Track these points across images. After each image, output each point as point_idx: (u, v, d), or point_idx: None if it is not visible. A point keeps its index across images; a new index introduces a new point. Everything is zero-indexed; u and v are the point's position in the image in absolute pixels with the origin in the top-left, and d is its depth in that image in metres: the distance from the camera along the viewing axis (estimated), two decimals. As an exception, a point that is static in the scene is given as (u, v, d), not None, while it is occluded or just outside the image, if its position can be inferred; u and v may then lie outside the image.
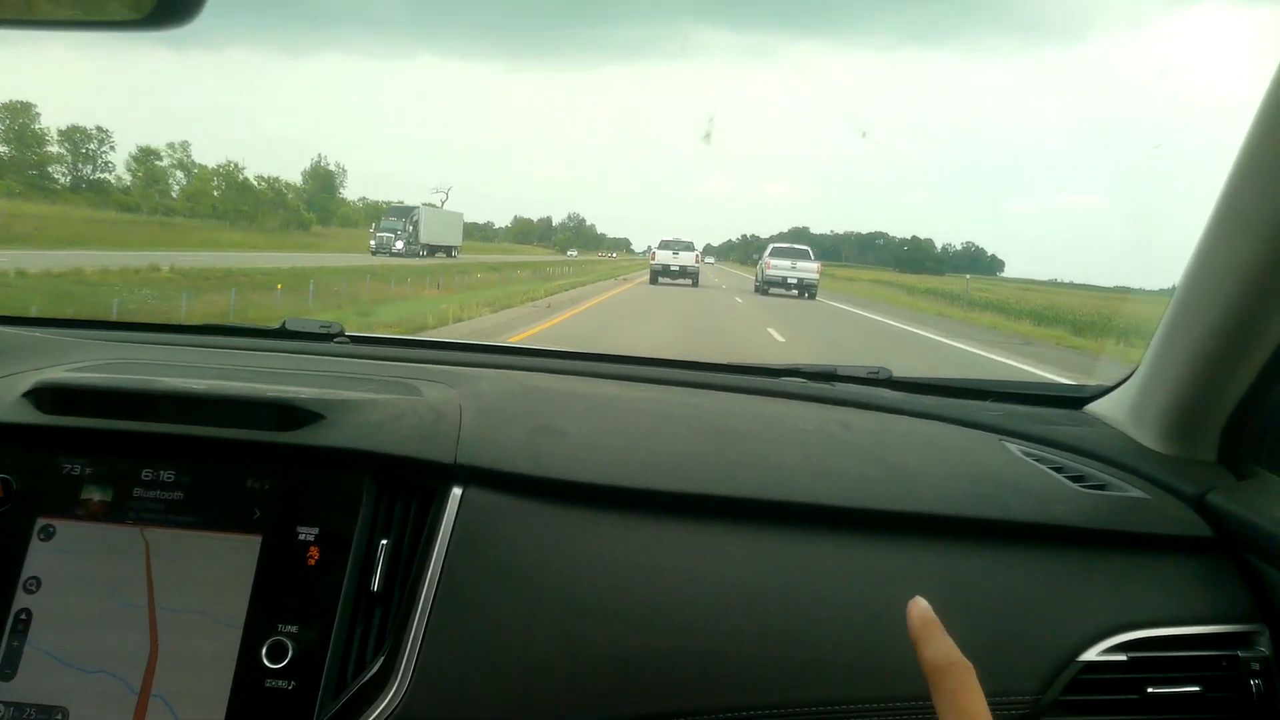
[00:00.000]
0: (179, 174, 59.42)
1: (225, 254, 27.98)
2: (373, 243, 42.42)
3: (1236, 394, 1.13)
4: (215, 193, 54.39)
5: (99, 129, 57.32)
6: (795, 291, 25.92)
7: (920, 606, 0.71)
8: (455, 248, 49.37)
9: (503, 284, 23.41)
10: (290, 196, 56.96)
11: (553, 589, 0.93)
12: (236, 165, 55.73)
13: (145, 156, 57.52)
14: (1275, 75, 0.94)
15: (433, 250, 45.11)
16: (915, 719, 0.91)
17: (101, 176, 58.25)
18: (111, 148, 57.98)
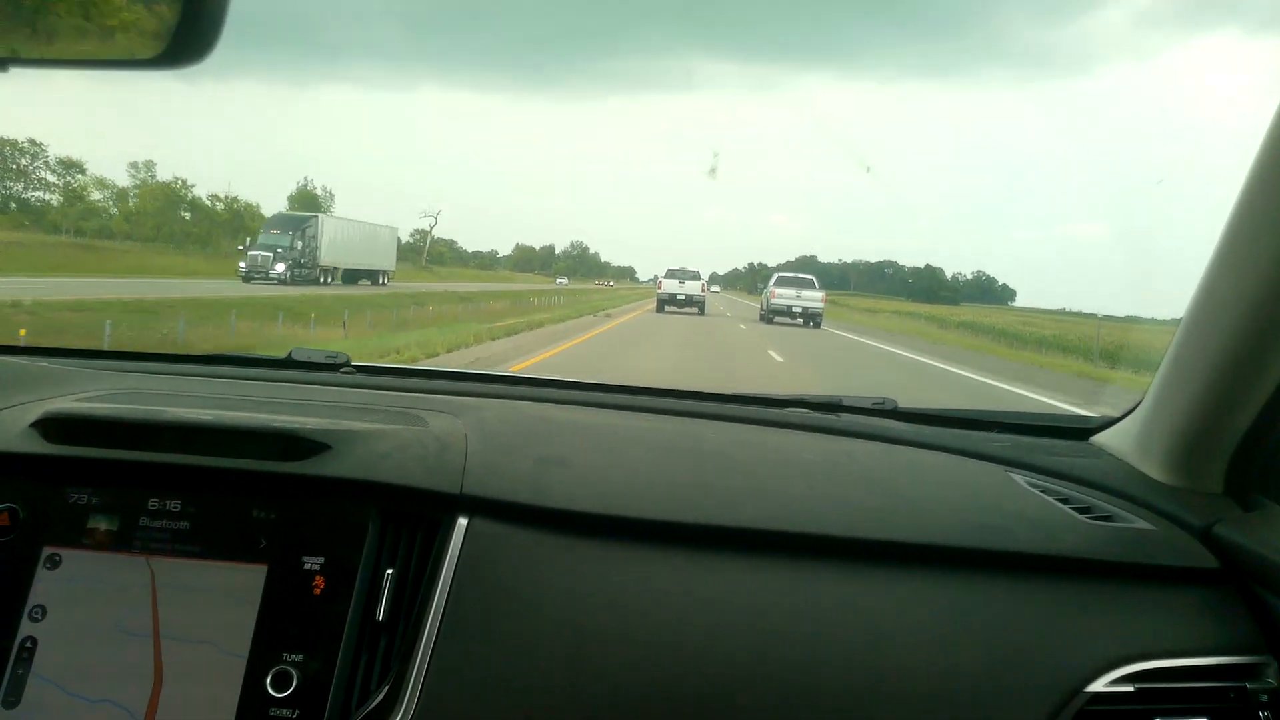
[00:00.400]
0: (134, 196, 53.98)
1: (125, 280, 25.23)
2: (243, 265, 31.62)
3: (1242, 426, 1.13)
4: (156, 213, 49.68)
5: (31, 141, 50.18)
6: (800, 320, 26.02)
7: None
8: (385, 273, 40.36)
9: (457, 320, 19.91)
10: (249, 219, 50.55)
11: (557, 618, 0.93)
12: (184, 183, 51.93)
13: (66, 170, 51.86)
14: (1278, 108, 0.95)
15: (353, 276, 36.26)
16: None
17: (36, 195, 52.03)
18: (46, 164, 51.11)
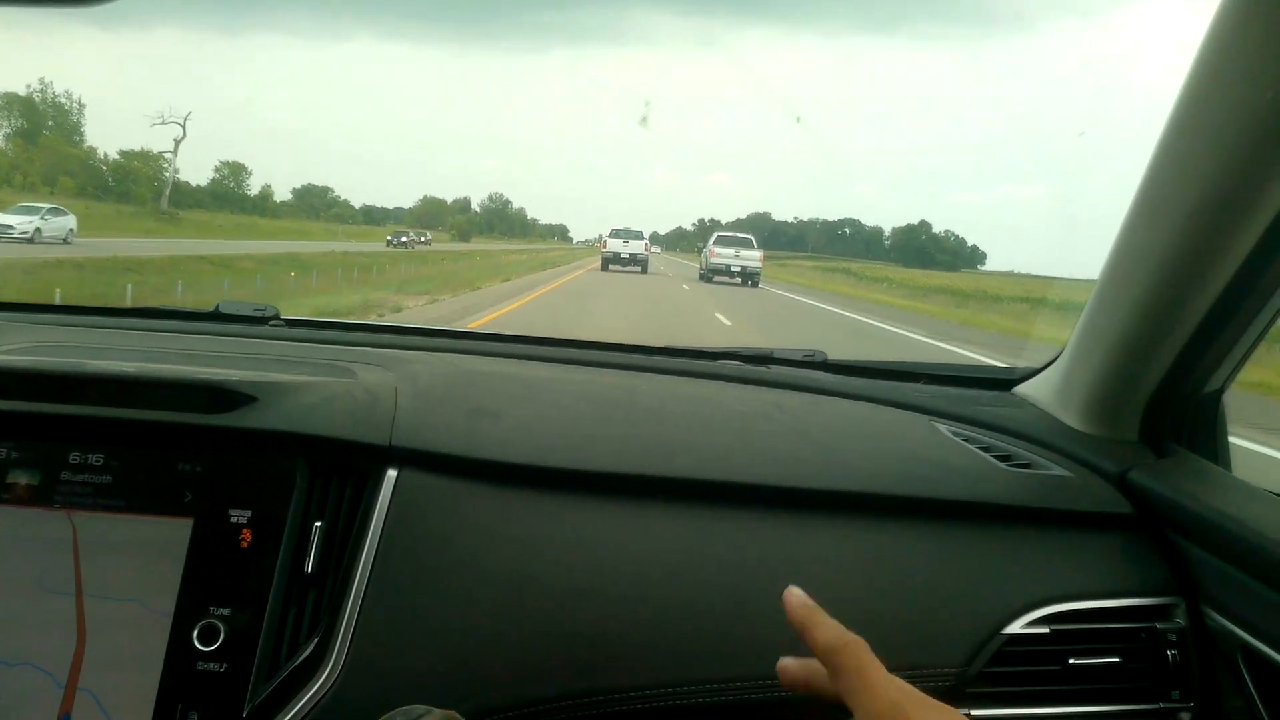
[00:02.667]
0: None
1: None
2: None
3: (1157, 375, 1.17)
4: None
5: None
6: (739, 280, 26.02)
7: (796, 595, 0.72)
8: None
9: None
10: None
11: (488, 570, 0.93)
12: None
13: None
14: (1191, 66, 0.96)
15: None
16: None
17: None
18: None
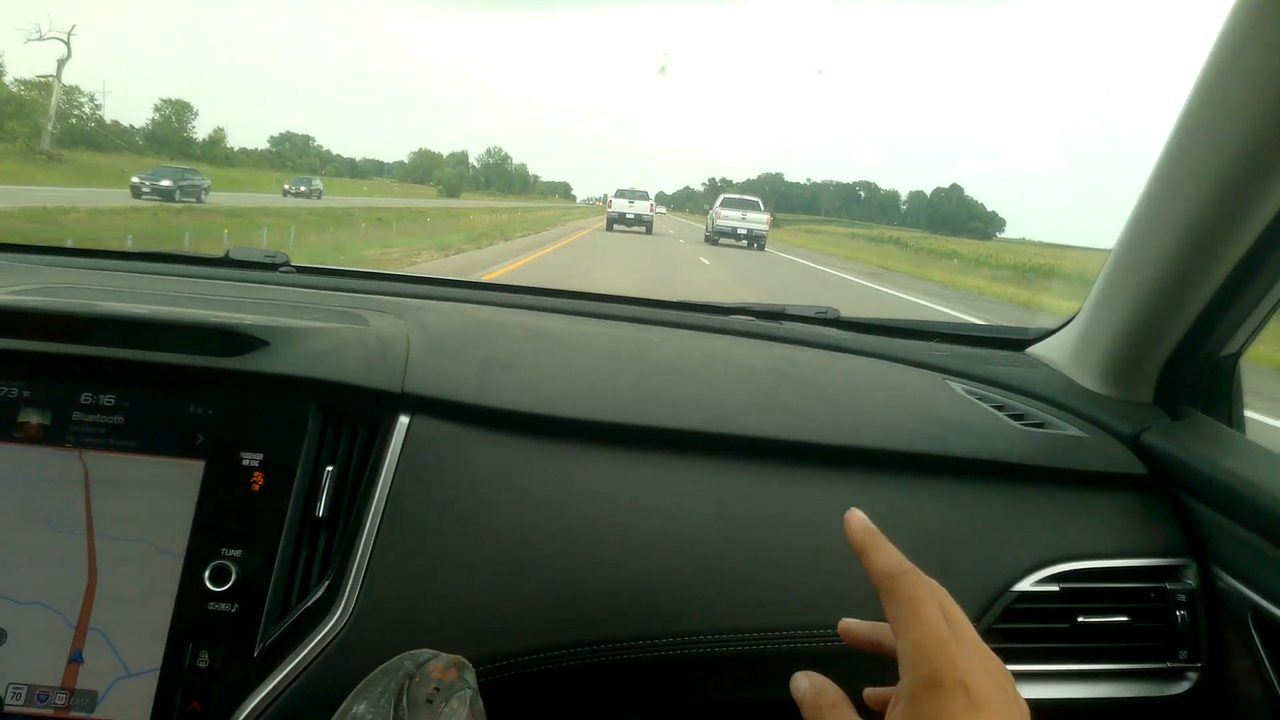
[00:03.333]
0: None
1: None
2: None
3: (1174, 338, 1.16)
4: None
5: None
6: (745, 242, 25.97)
7: (859, 518, 0.70)
8: None
9: None
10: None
11: (498, 518, 0.93)
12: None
13: None
14: (1221, 28, 0.95)
15: None
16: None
17: None
18: None
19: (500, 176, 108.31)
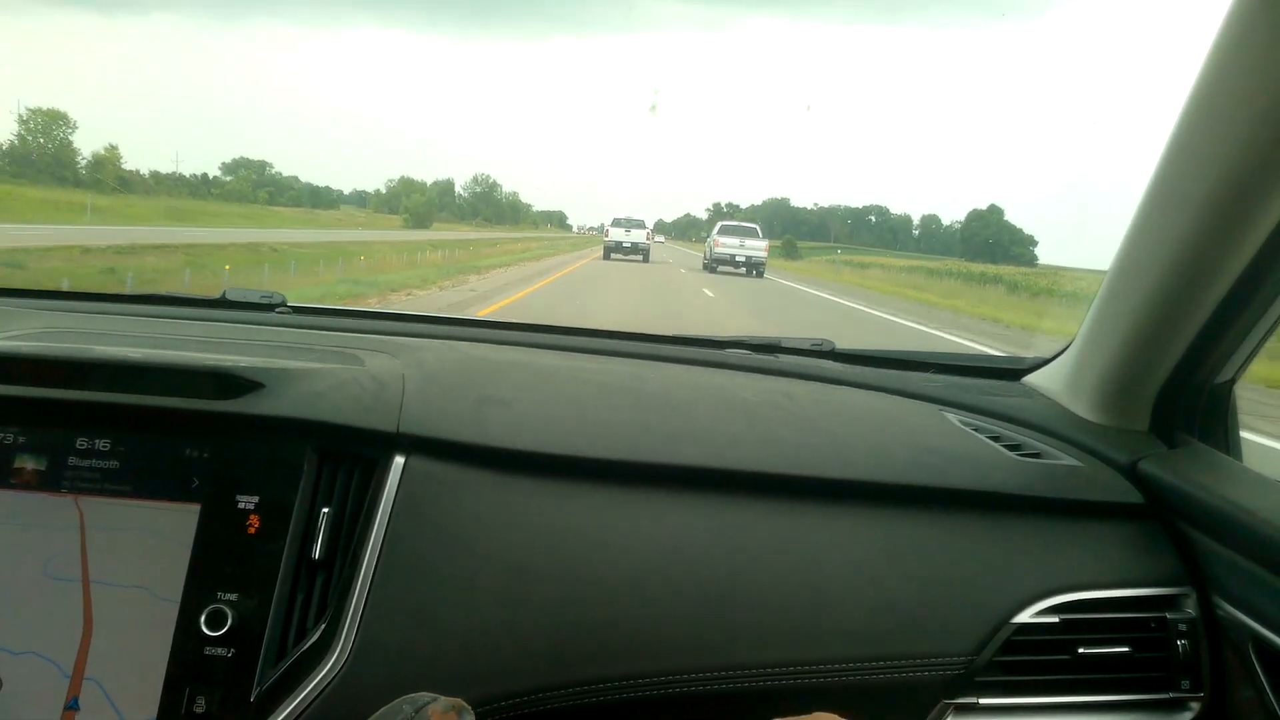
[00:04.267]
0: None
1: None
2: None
3: (1168, 366, 1.16)
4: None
5: None
6: (743, 270, 25.82)
7: None
8: None
9: None
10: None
11: (496, 557, 0.93)
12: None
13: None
14: (1206, 55, 0.96)
15: None
16: (852, 679, 0.94)
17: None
18: None
19: (488, 205, 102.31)
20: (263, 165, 74.36)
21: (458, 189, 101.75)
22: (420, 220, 61.53)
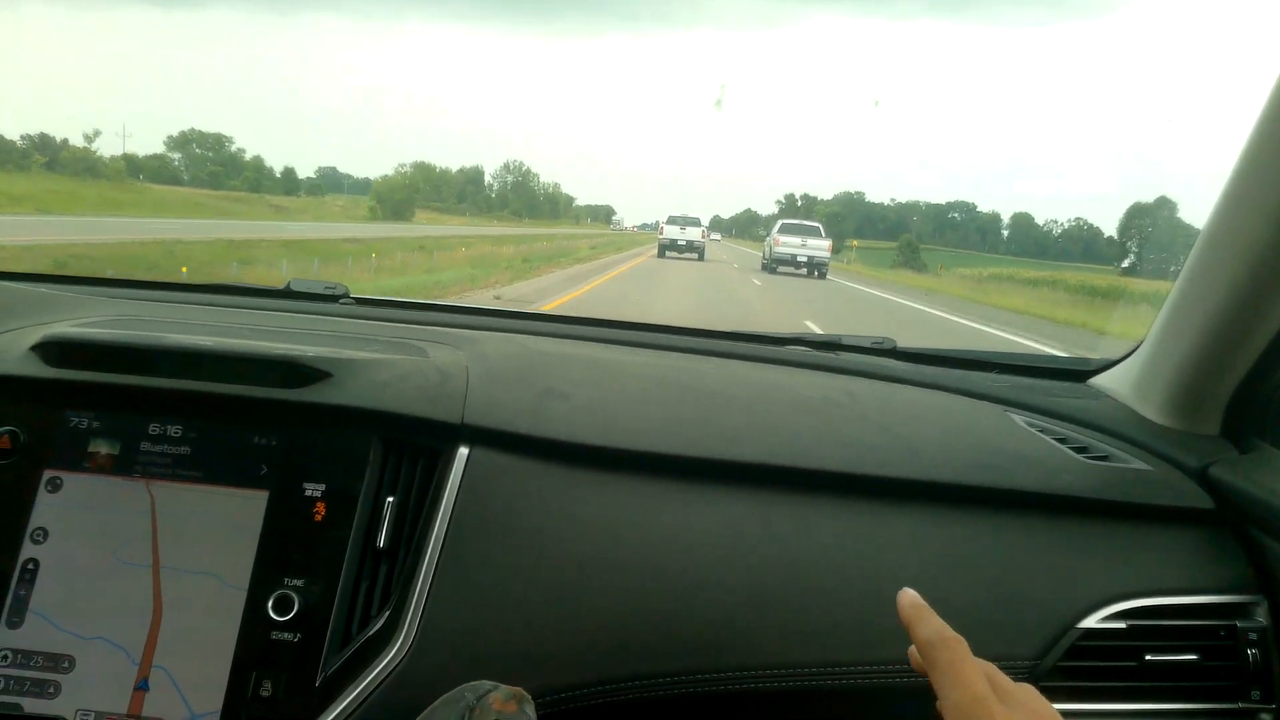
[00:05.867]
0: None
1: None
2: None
3: (1241, 369, 1.14)
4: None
5: None
6: (805, 270, 24.68)
7: (909, 595, 0.73)
8: None
9: None
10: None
11: (556, 549, 0.94)
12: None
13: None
14: None
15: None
16: (913, 680, 0.92)
17: None
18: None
19: (521, 196, 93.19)
20: (219, 140, 64.97)
21: (487, 178, 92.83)
22: (399, 211, 53.11)
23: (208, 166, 60.31)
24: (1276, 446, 1.18)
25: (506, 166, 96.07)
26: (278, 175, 67.03)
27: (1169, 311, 1.20)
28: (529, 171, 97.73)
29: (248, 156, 66.33)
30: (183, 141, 62.36)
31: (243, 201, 46.97)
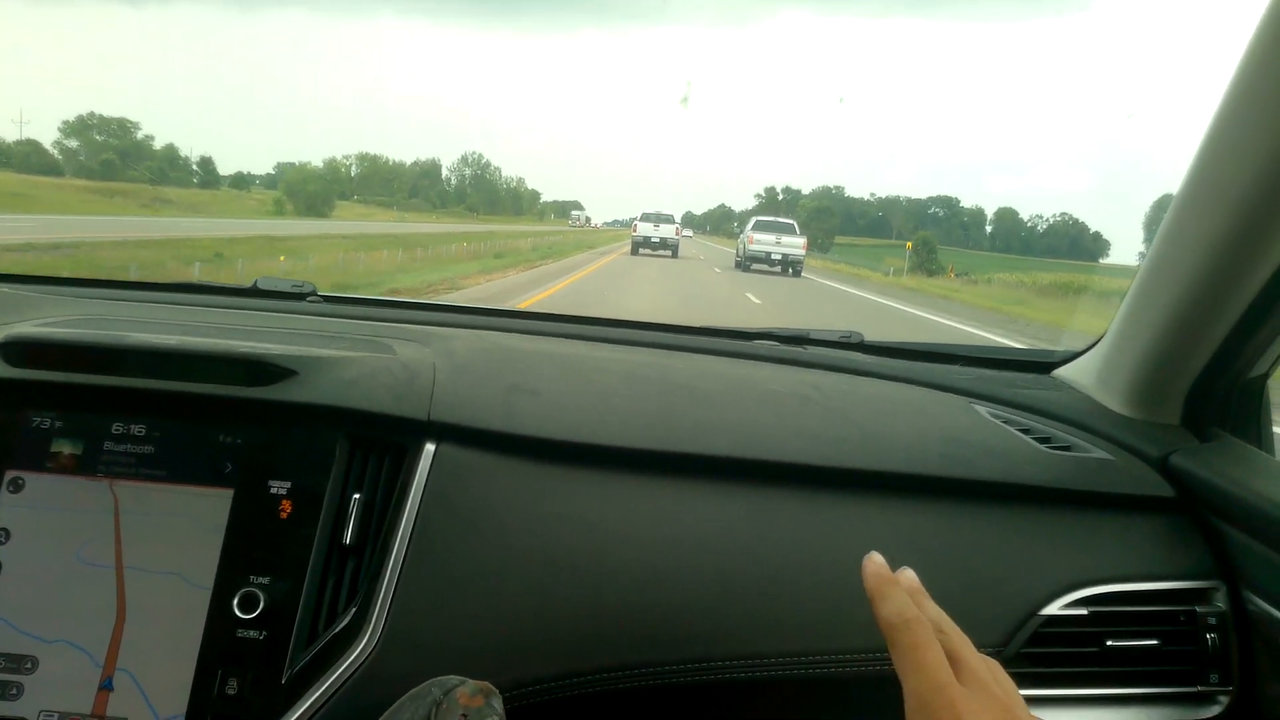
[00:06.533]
0: None
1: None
2: None
3: (1201, 359, 1.15)
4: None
5: None
6: (779, 269, 24.67)
7: (875, 563, 0.71)
8: None
9: None
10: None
11: (524, 544, 0.94)
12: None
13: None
14: (1245, 50, 0.95)
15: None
16: (879, 670, 0.93)
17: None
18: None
19: (479, 190, 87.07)
20: (123, 125, 58.08)
21: (445, 171, 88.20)
22: (313, 207, 48.13)
23: (101, 155, 54.80)
24: (1236, 435, 1.20)
25: (464, 159, 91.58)
26: (194, 166, 62.04)
27: (1130, 304, 1.22)
28: (488, 164, 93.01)
29: (157, 145, 60.14)
30: (80, 127, 57.02)
31: (122, 194, 42.46)
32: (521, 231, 43.85)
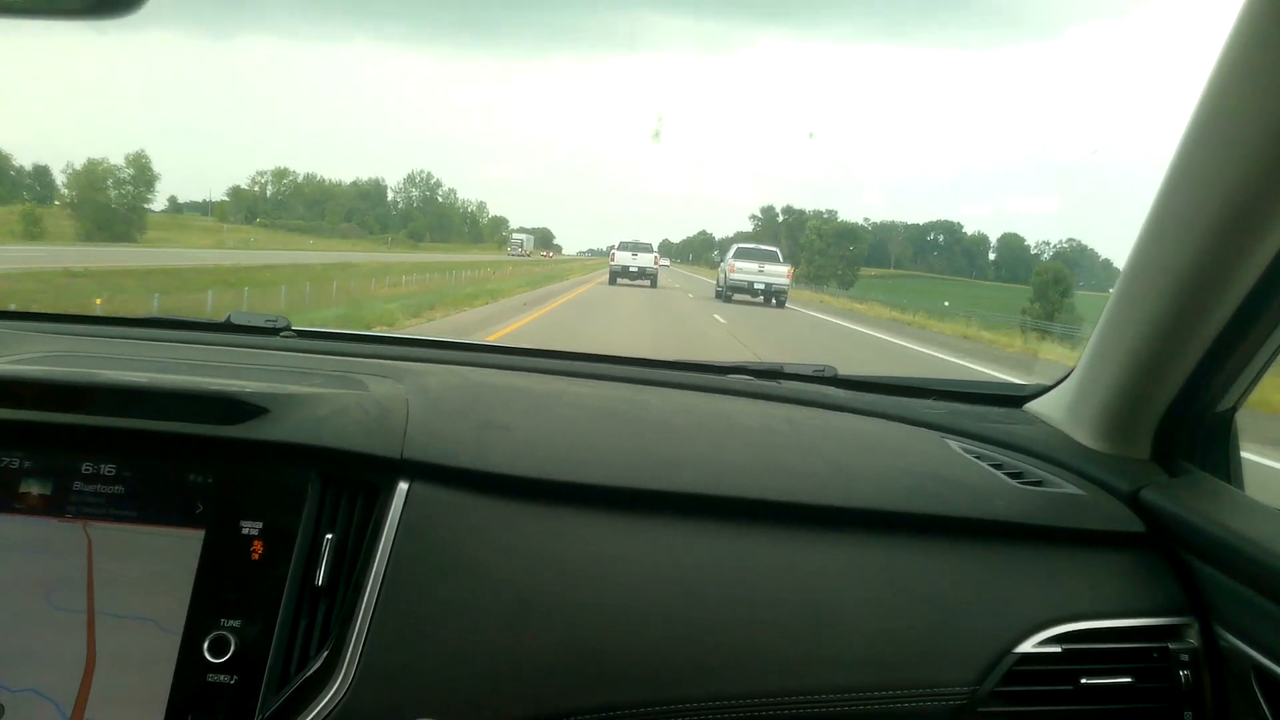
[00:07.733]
0: None
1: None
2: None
3: (1170, 393, 1.16)
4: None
5: None
6: (762, 299, 24.05)
7: None
8: None
9: None
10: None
11: (498, 583, 0.94)
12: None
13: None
14: (1207, 81, 0.96)
15: None
16: (853, 708, 0.94)
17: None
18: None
19: (428, 213, 79.58)
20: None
21: (390, 194, 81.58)
22: (104, 224, 43.33)
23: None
24: (1205, 469, 1.21)
25: (411, 179, 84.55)
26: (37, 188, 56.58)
27: (1098, 338, 1.22)
28: (438, 184, 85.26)
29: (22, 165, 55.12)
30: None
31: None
32: (449, 262, 38.50)
